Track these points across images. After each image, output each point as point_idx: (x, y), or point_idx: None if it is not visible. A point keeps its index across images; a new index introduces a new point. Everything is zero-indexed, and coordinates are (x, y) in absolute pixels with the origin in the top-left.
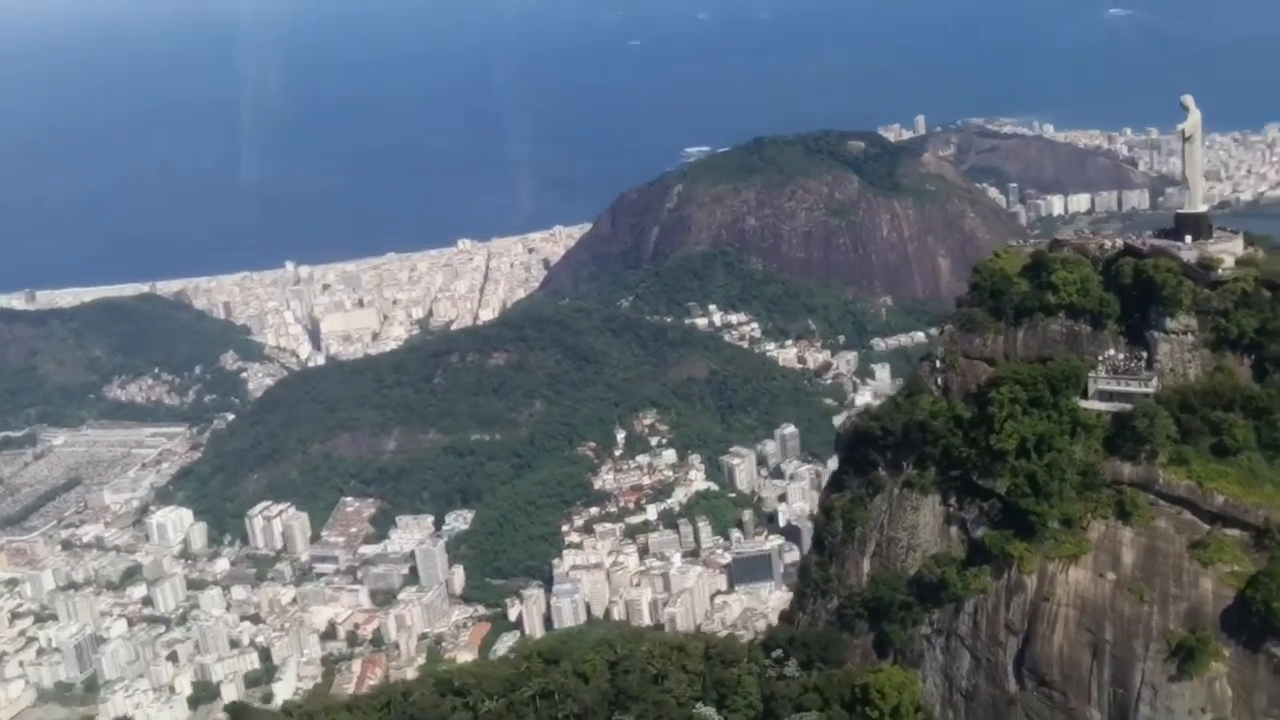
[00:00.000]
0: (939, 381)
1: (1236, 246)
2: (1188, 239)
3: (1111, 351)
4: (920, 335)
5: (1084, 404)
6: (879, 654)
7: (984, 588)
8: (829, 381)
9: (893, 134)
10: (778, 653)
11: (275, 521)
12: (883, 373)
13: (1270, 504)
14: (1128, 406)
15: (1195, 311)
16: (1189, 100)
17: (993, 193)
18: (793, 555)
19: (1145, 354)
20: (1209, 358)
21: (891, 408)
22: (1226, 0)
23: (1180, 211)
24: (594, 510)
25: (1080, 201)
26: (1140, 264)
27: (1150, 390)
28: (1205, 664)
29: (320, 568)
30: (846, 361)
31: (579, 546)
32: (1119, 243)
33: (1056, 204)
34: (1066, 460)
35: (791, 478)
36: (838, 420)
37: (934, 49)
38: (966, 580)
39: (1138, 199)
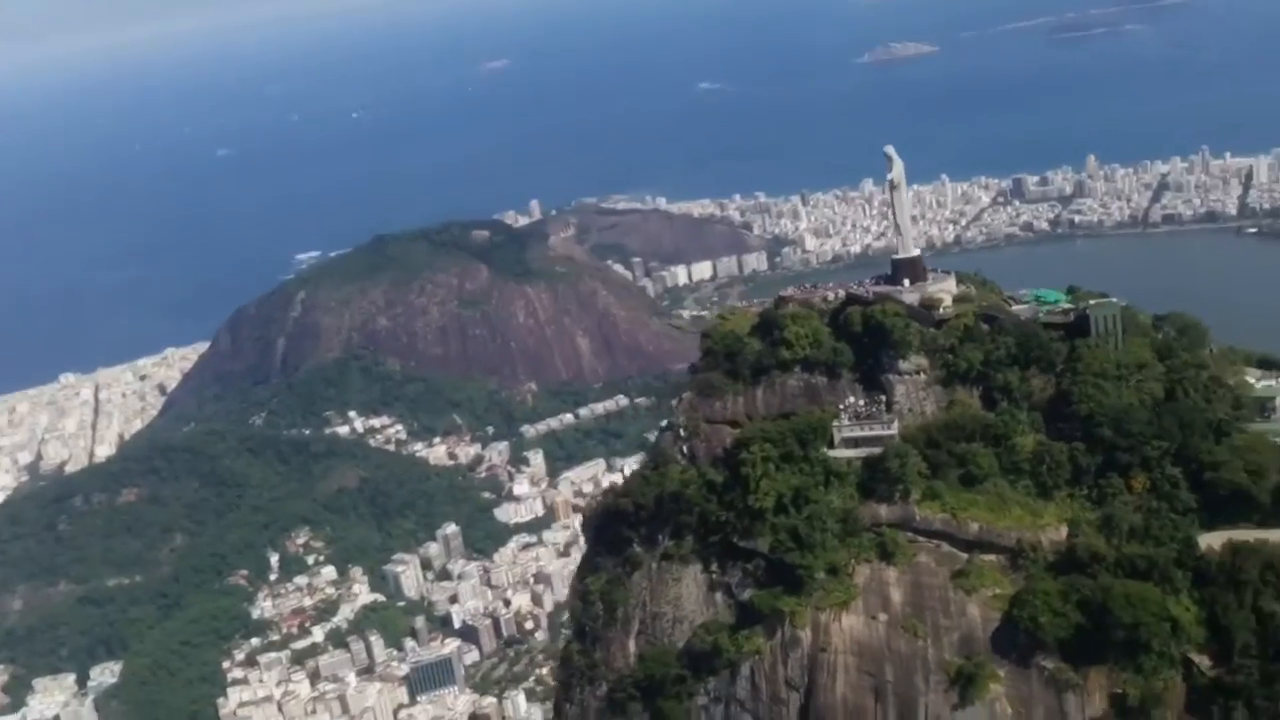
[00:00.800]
0: (684, 450)
1: (951, 285)
2: (906, 282)
3: (851, 399)
4: (569, 417)
5: (832, 453)
6: None
7: (758, 648)
8: (484, 475)
9: (509, 220)
10: None
11: None
12: (536, 459)
13: (1020, 525)
14: (876, 450)
15: (925, 351)
16: (891, 150)
17: (619, 268)
18: (472, 655)
19: (884, 397)
20: (942, 394)
21: (640, 482)
22: (809, 71)
23: (895, 257)
24: (256, 641)
25: (703, 269)
26: (868, 311)
27: (893, 431)
28: (984, 687)
29: None
30: (499, 452)
31: (244, 682)
32: (840, 293)
33: (681, 273)
34: (825, 510)
35: (460, 577)
36: (498, 512)
37: (532, 135)
38: (739, 643)
39: (756, 261)
